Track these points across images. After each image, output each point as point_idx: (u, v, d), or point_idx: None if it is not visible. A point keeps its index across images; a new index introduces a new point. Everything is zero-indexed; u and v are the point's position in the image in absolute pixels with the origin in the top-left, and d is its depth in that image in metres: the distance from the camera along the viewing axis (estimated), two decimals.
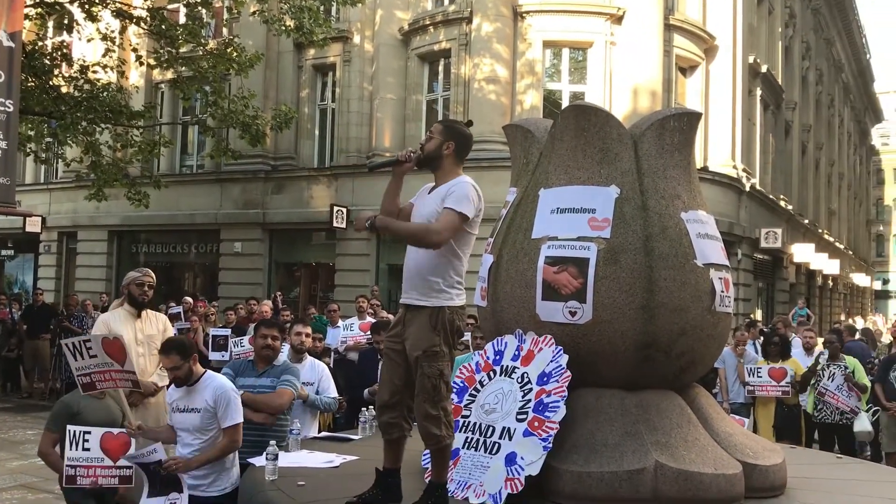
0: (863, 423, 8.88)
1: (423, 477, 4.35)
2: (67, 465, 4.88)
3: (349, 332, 10.30)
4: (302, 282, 21.57)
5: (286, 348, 6.71)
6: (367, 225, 4.03)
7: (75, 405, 5.25)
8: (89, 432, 4.87)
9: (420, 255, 4.07)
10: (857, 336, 13.76)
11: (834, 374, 8.76)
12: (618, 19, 17.85)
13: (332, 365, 9.07)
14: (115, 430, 5.02)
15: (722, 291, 4.87)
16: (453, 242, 4.05)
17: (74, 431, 4.90)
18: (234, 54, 15.98)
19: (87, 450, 4.85)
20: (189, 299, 14.74)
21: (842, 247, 38.44)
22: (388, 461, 4.23)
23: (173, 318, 13.18)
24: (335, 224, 18.79)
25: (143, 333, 6.25)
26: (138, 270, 6.37)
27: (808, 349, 10.12)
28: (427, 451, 4.36)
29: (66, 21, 17.41)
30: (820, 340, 12.25)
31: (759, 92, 22.67)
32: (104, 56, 16.13)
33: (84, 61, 16.26)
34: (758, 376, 9.01)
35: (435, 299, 4.01)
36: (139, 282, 6.25)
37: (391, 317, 11.93)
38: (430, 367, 3.95)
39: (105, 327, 6.20)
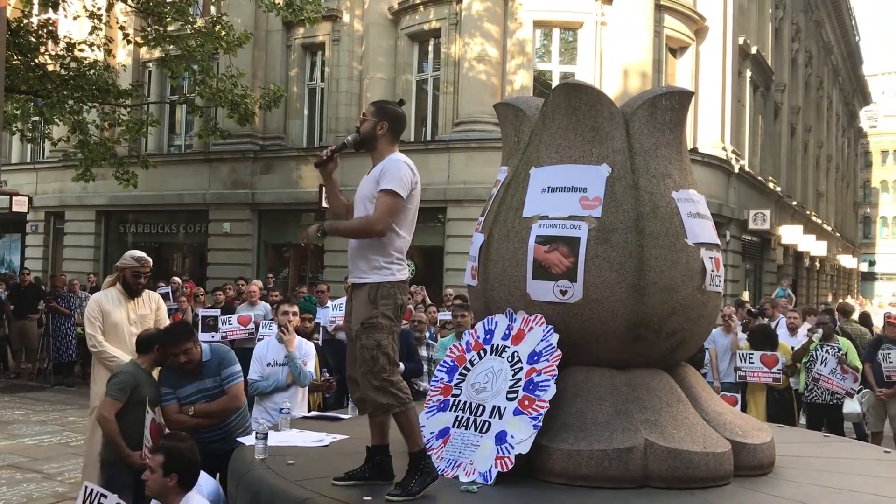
0: (852, 405, 8.94)
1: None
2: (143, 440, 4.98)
3: (338, 311, 10.26)
4: (291, 262, 21.52)
5: (273, 328, 6.72)
6: (318, 234, 4.10)
7: (136, 376, 5.30)
8: (148, 413, 4.96)
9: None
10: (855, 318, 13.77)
11: (826, 358, 8.77)
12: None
13: (321, 344, 9.05)
14: (158, 420, 5.12)
15: (712, 271, 4.88)
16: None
17: (147, 410, 4.97)
18: (223, 33, 15.84)
19: (146, 428, 4.95)
20: (177, 279, 14.69)
21: (829, 229, 38.62)
22: (374, 438, 4.28)
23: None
24: (324, 204, 18.66)
25: (135, 313, 6.28)
26: (137, 260, 6.32)
27: (793, 330, 10.14)
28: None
29: None
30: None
31: (748, 73, 22.65)
32: (91, 34, 15.95)
33: (70, 39, 16.08)
34: (749, 362, 8.98)
35: (375, 275, 4.09)
36: (136, 272, 6.29)
37: None
38: (367, 339, 4.02)
39: (98, 307, 6.20)
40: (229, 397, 5.37)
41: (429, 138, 18.75)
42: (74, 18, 16.23)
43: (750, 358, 8.98)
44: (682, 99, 5.15)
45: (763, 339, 9.14)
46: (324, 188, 4.49)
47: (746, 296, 20.18)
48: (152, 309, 6.41)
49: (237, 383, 5.42)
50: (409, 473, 4.02)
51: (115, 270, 6.50)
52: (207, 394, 5.33)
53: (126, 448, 5.09)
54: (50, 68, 15.76)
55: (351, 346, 4.30)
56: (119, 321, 6.14)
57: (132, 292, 6.29)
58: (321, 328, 9.85)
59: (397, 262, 4.14)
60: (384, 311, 4.05)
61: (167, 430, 5.14)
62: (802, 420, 9.43)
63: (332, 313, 10.30)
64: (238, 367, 5.51)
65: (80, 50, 15.78)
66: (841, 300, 26.77)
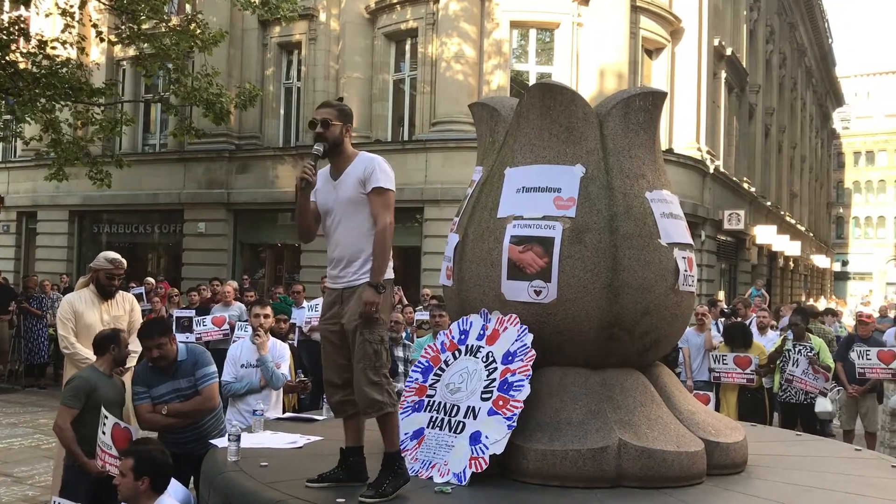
0: (824, 404, 9.02)
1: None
2: (98, 445, 4.90)
3: (314, 312, 10.21)
4: (267, 263, 21.42)
5: (248, 330, 6.67)
6: (380, 291, 4.01)
7: (93, 380, 5.18)
8: (107, 417, 4.87)
9: (351, 237, 4.14)
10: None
11: (798, 360, 8.85)
12: (584, 0, 17.83)
13: (296, 345, 9.00)
14: (122, 424, 5.02)
15: (685, 270, 4.90)
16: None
17: (104, 414, 4.88)
18: (198, 31, 15.70)
19: (104, 433, 4.86)
20: (151, 280, 14.56)
21: (803, 229, 39.01)
22: (349, 440, 4.26)
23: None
24: None
25: (108, 314, 6.21)
26: (111, 262, 6.24)
27: (762, 328, 10.22)
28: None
29: None
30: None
31: (723, 75, 22.83)
32: (63, 32, 15.74)
33: (42, 37, 15.86)
34: (723, 363, 9.04)
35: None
36: (110, 274, 6.22)
37: None
38: (370, 334, 4.00)
39: (70, 308, 6.13)
40: (203, 398, 5.31)
41: (406, 138, 18.73)
42: (46, 16, 16.04)
43: (724, 359, 9.04)
44: (655, 99, 5.17)
45: (739, 336, 9.22)
46: (301, 206, 4.34)
47: (721, 295, 20.33)
48: (126, 310, 6.34)
49: (212, 384, 5.37)
50: (383, 474, 4.01)
51: (89, 271, 6.42)
52: (182, 394, 5.27)
53: (83, 456, 4.98)
54: (21, 66, 15.53)
55: (329, 349, 4.24)
56: (92, 322, 6.06)
57: (106, 294, 6.22)
58: (297, 328, 9.80)
59: (388, 259, 4.15)
60: (383, 307, 4.07)
61: (139, 432, 5.09)
62: (776, 418, 9.50)
63: (308, 314, 10.25)
64: (213, 367, 5.45)
65: (53, 48, 15.56)
66: (812, 300, 27.03)
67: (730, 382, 9.04)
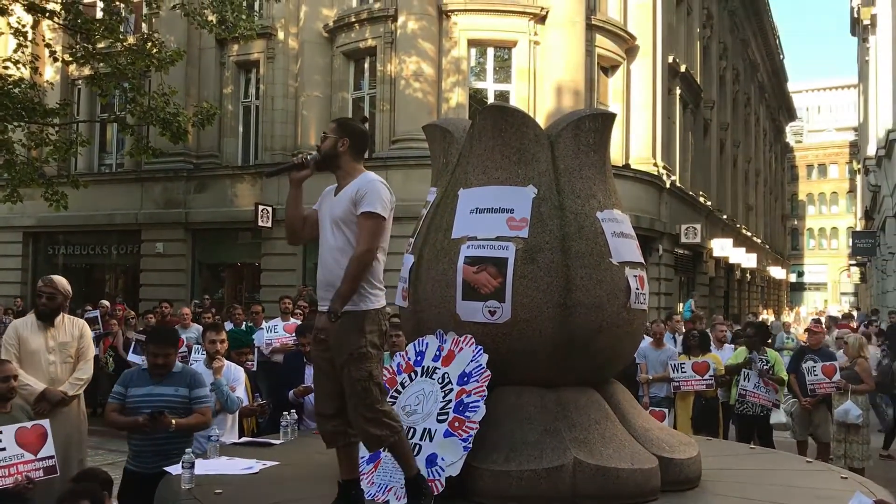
0: (778, 416, 9.18)
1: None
2: None
3: (273, 333, 10.15)
4: (227, 283, 21.25)
5: (204, 353, 6.60)
6: (333, 319, 3.82)
7: None
8: (1, 432, 4.71)
9: (338, 260, 3.96)
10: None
11: (749, 374, 9.00)
12: (541, 19, 18.06)
13: (255, 367, 8.92)
14: (29, 424, 4.88)
15: (637, 289, 4.97)
16: None
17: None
18: (154, 50, 15.57)
19: (3, 449, 4.69)
20: (105, 303, 14.35)
21: (759, 241, 39.68)
22: (344, 472, 4.13)
23: (90, 323, 12.78)
24: (260, 223, 18.57)
25: (54, 341, 6.04)
26: (41, 280, 6.17)
27: (720, 342, 10.39)
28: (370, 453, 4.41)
29: None
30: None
31: (678, 91, 23.21)
32: (16, 51, 15.51)
33: None
34: (682, 371, 9.19)
35: (362, 303, 3.94)
36: (37, 292, 6.11)
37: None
38: (357, 371, 3.86)
39: (15, 333, 5.99)
40: (206, 418, 5.40)
41: (366, 156, 18.70)
42: None
43: (682, 368, 9.20)
44: (605, 121, 5.25)
45: (698, 344, 9.52)
46: (290, 196, 4.22)
47: (680, 308, 20.58)
48: (74, 336, 6.18)
49: (208, 405, 5.47)
50: (412, 499, 4.00)
51: None
52: (162, 399, 5.18)
53: None
54: None
55: (320, 378, 4.07)
56: (37, 349, 5.90)
57: (41, 316, 6.07)
58: (255, 350, 9.72)
59: (379, 287, 4.02)
60: (372, 340, 3.91)
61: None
62: (732, 431, 9.64)
63: (267, 335, 10.17)
64: (207, 389, 5.56)
65: (5, 67, 15.32)
66: (767, 312, 27.37)
67: (690, 391, 9.20)
